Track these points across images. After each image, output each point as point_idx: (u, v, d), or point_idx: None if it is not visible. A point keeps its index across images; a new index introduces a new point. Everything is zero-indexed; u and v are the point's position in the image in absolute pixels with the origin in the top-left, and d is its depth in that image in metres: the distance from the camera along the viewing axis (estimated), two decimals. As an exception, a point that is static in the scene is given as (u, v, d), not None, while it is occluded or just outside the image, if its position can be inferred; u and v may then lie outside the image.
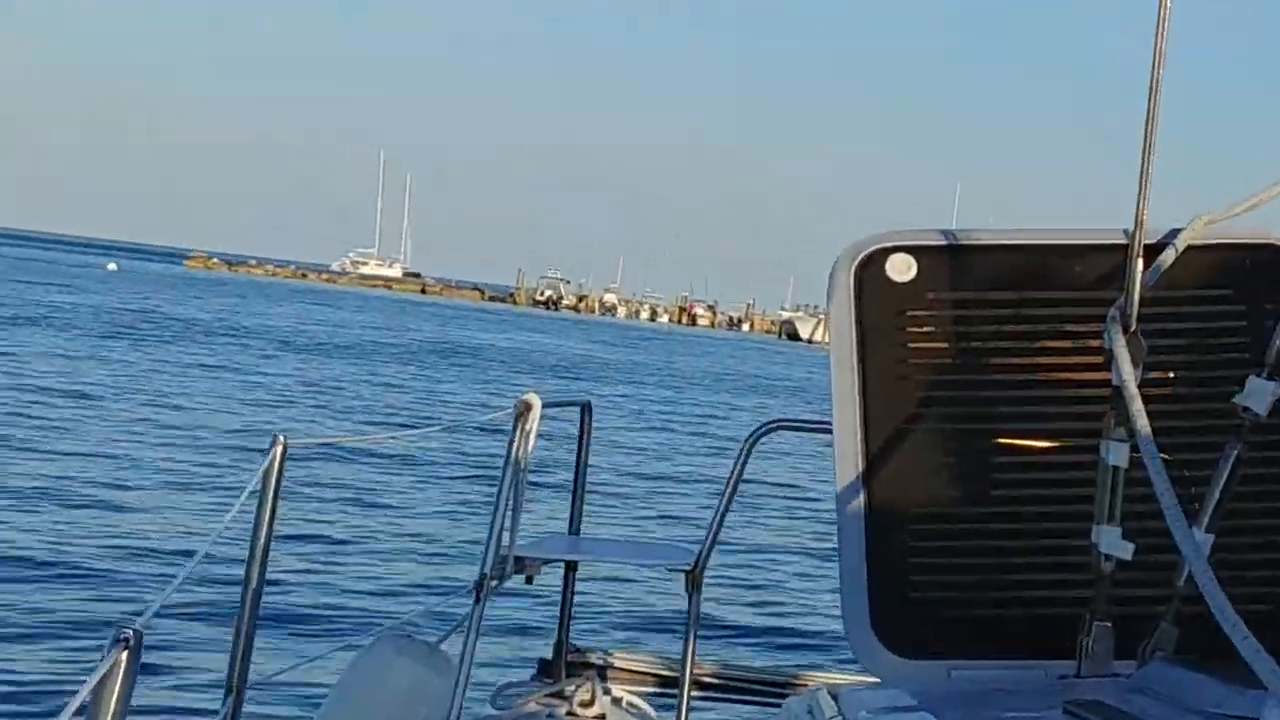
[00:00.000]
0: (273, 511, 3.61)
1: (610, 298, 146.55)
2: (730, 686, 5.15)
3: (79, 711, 2.33)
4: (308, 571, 12.94)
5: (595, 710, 4.78)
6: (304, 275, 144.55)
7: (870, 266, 3.01)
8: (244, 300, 75.44)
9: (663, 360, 64.26)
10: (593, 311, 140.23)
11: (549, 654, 5.10)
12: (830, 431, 3.01)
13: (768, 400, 44.59)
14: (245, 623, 3.59)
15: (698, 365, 64.29)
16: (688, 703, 4.68)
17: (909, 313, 3.00)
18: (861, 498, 2.97)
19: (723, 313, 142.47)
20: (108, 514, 15.19)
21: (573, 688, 4.85)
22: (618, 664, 5.25)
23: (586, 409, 5.41)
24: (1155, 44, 2.67)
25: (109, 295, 63.85)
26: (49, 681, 9.13)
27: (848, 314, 2.99)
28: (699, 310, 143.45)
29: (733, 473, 4.93)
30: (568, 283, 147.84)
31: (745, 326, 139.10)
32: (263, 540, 3.60)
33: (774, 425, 5.07)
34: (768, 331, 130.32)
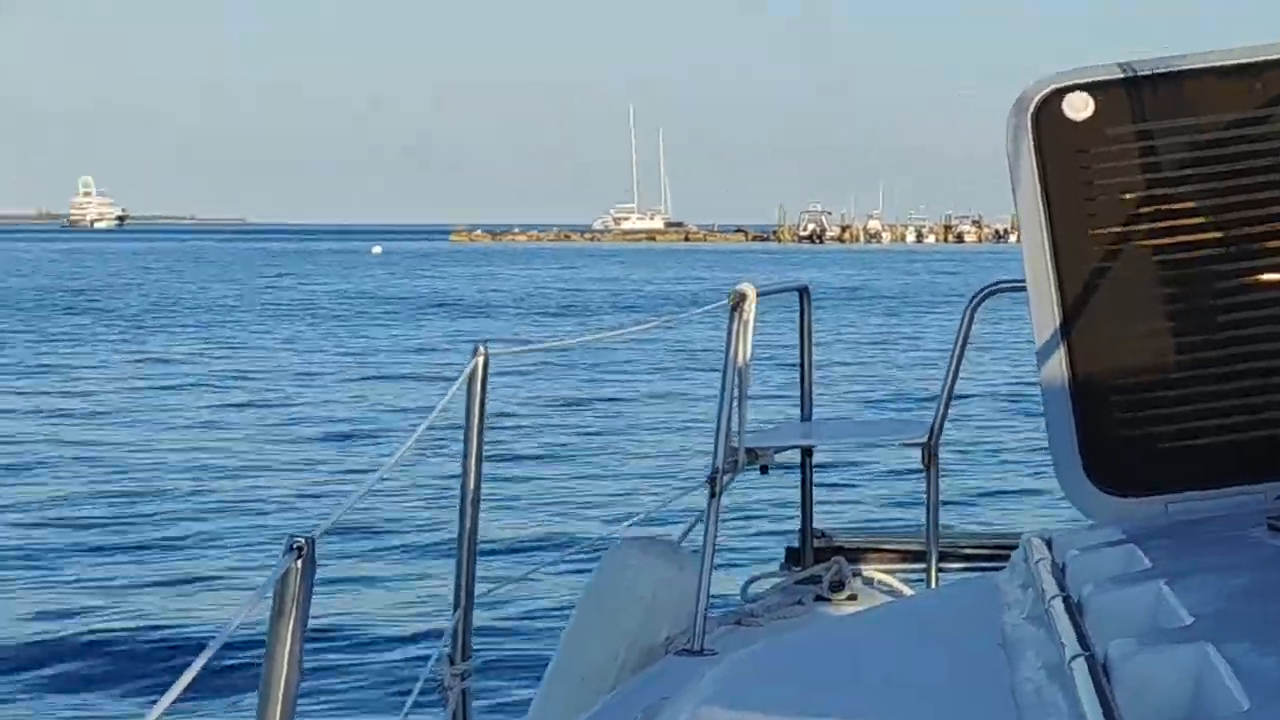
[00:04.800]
0: (481, 418, 3.51)
1: (874, 224, 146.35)
2: (976, 555, 5.06)
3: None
4: (529, 478, 13.33)
5: (847, 592, 4.67)
6: (567, 237, 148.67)
7: (1046, 109, 2.90)
8: (505, 266, 78.76)
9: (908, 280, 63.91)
10: (857, 240, 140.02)
11: (793, 542, 5.05)
12: None
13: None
14: (468, 532, 3.52)
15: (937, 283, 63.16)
16: (936, 575, 4.64)
17: (1092, 150, 2.86)
18: (1060, 339, 2.84)
19: (988, 225, 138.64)
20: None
21: (822, 572, 4.76)
22: (863, 544, 5.24)
23: (804, 294, 5.22)
24: None
25: (369, 277, 67.30)
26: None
27: (1029, 159, 2.88)
28: (965, 228, 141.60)
29: (957, 340, 4.72)
30: (829, 214, 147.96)
31: (1012, 238, 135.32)
32: (475, 447, 3.51)
33: (992, 288, 4.79)
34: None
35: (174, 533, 11.75)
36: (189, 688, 1.90)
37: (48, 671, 8.41)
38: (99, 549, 11.62)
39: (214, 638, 2.56)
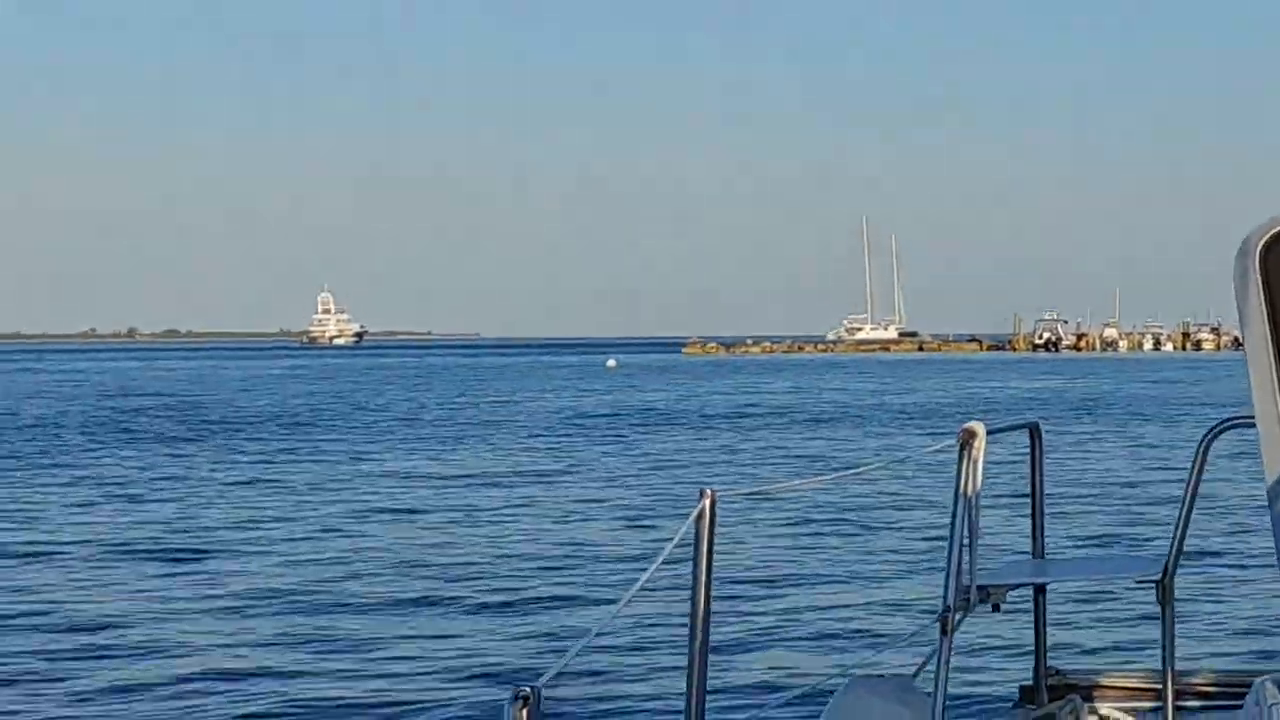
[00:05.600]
0: (709, 560, 3.49)
1: (1110, 332, 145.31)
2: (1212, 693, 4.90)
3: None
4: (758, 614, 13.29)
5: None
6: (800, 348, 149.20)
7: (1273, 251, 2.96)
8: (748, 378, 79.06)
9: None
10: (1093, 348, 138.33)
11: (1026, 679, 5.01)
12: None
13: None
14: (696, 674, 3.42)
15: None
16: (1174, 713, 4.47)
17: None
18: None
19: (1227, 333, 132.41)
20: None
21: (1056, 710, 4.74)
22: (1099, 682, 5.09)
23: (1035, 431, 5.19)
24: None
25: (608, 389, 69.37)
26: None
27: (1257, 300, 2.95)
28: (1203, 335, 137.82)
29: (1191, 476, 4.69)
30: (1065, 322, 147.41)
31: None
32: (703, 591, 3.48)
33: (1227, 424, 4.74)
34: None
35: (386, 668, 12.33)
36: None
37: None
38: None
39: None
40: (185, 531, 21.19)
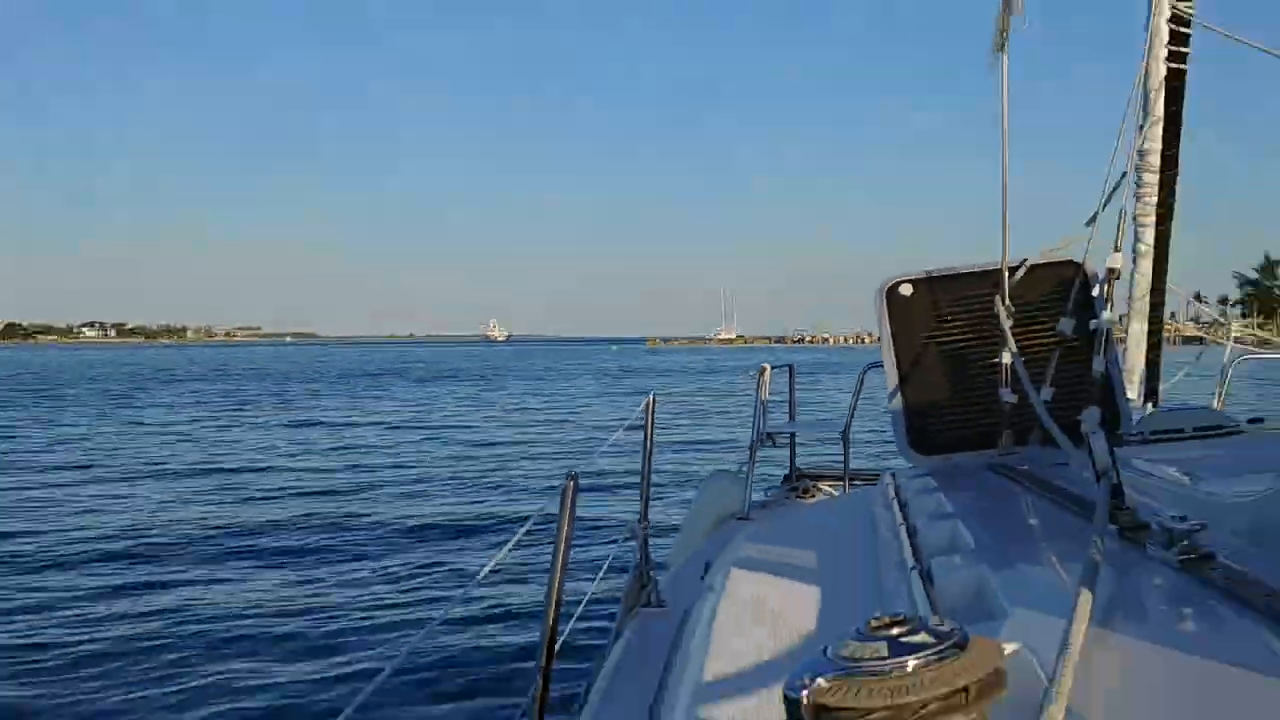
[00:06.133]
0: (650, 446, 6.89)
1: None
2: (867, 480, 7.43)
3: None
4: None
5: (811, 497, 8.18)
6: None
7: (894, 291, 5.29)
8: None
9: None
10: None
11: (787, 474, 8.61)
12: None
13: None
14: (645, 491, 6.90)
15: None
16: (848, 487, 7.78)
17: (910, 309, 5.26)
18: (898, 382, 5.19)
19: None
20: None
21: (798, 485, 8.29)
22: (819, 474, 8.58)
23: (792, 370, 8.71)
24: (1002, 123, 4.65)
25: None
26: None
27: (885, 324, 5.28)
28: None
29: (855, 393, 7.67)
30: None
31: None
32: (647, 468, 6.14)
33: (875, 365, 6.08)
34: None
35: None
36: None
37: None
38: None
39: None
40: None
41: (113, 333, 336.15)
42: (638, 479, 5.19)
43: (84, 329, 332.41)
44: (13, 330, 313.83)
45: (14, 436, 33.14)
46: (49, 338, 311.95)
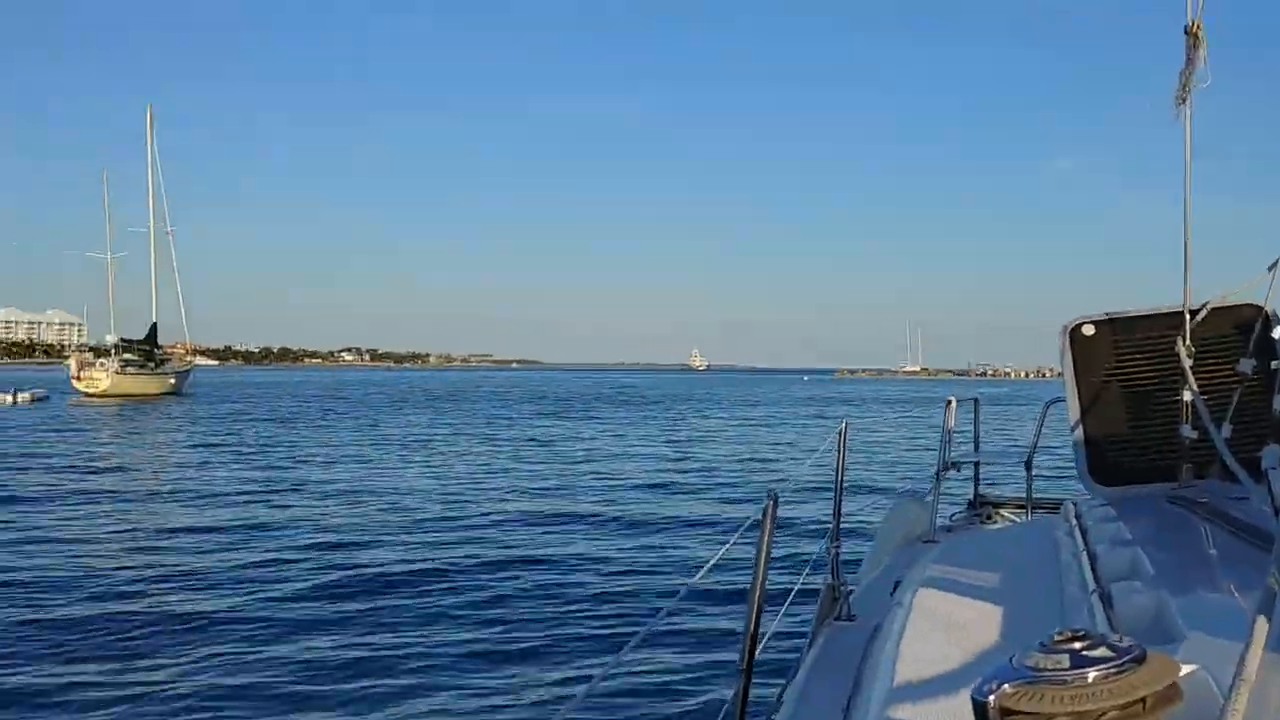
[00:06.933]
0: (842, 465, 5.51)
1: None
2: (1049, 508, 7.15)
3: None
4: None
5: (993, 523, 8.03)
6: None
7: (1077, 332, 5.21)
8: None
9: None
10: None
11: (970, 499, 8.54)
12: None
13: None
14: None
15: None
16: (1031, 515, 7.52)
17: (1094, 348, 5.25)
18: (1079, 415, 5.14)
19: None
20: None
21: (981, 510, 8.19)
22: (1000, 500, 8.27)
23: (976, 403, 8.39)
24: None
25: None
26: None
27: (1068, 361, 5.19)
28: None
29: (1037, 425, 7.24)
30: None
31: None
32: (838, 489, 6.68)
33: (1058, 399, 5.84)
34: None
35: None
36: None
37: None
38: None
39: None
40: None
41: (366, 356, 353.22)
42: (830, 500, 5.22)
43: (343, 353, 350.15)
44: (285, 353, 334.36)
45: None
46: (314, 360, 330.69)
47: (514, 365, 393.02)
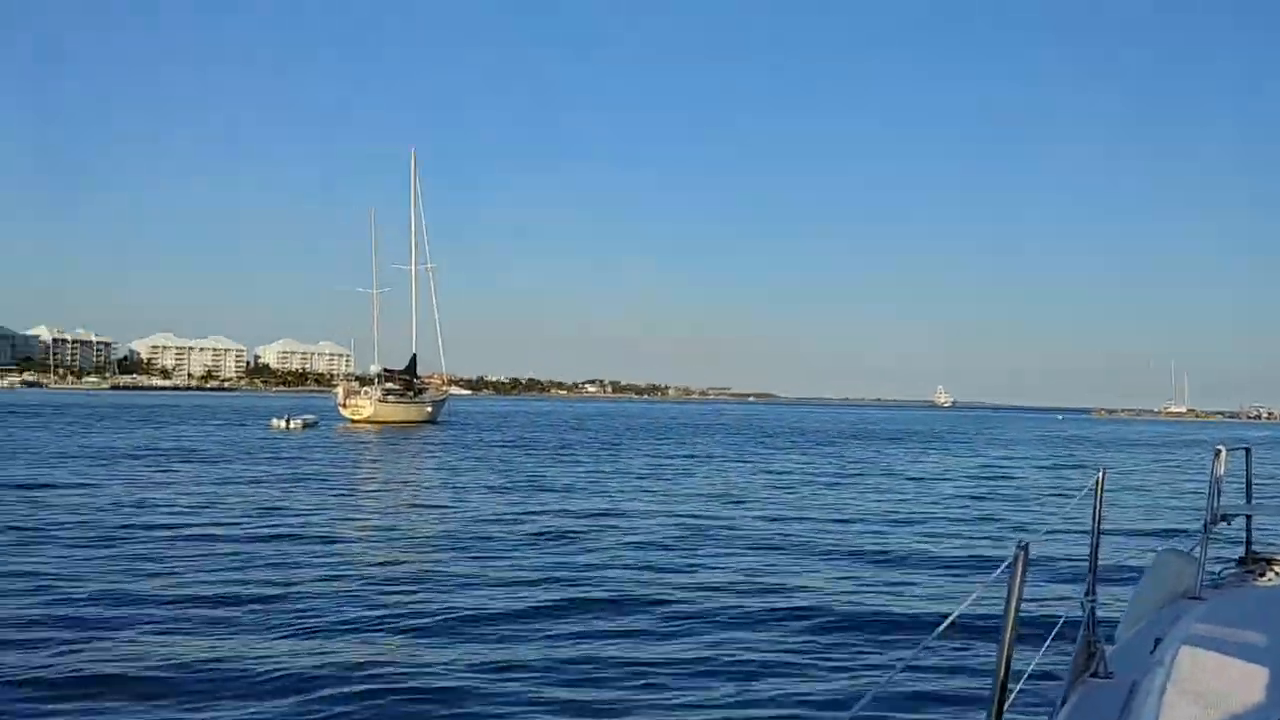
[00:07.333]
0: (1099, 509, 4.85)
1: None
2: None
3: None
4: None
5: (1267, 578, 7.40)
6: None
7: None
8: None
9: None
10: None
11: (1241, 555, 7.98)
12: None
13: None
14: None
15: None
16: None
17: None
18: None
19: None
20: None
21: (1254, 567, 7.65)
22: (1274, 556, 7.83)
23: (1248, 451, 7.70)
24: None
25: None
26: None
27: None
28: None
29: None
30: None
31: None
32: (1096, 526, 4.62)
33: None
34: None
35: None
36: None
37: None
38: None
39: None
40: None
41: (609, 388, 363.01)
42: (1085, 550, 5.10)
43: (586, 385, 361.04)
44: (532, 384, 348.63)
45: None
46: (560, 390, 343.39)
47: (751, 399, 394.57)
